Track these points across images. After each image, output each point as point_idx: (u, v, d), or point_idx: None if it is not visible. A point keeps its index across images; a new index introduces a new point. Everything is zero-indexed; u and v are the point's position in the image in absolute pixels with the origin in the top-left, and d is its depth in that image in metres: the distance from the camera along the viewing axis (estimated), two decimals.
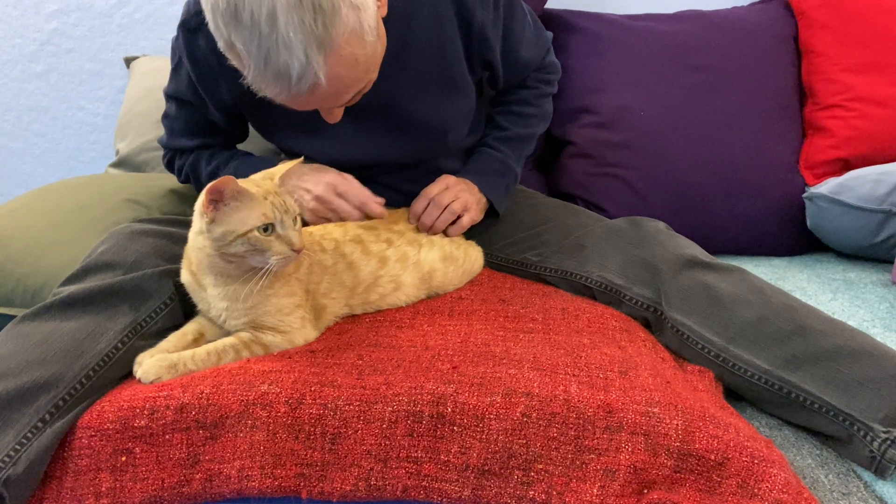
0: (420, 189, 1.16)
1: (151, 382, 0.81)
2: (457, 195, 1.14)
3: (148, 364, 0.82)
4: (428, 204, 1.13)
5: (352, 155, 1.13)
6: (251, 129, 1.24)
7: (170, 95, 1.17)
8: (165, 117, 1.21)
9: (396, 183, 1.19)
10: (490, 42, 1.12)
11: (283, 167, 0.92)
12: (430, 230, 1.13)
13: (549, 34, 1.28)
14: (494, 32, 1.12)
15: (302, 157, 0.99)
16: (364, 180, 1.15)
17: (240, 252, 0.82)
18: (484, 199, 1.20)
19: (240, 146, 1.27)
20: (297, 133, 1.13)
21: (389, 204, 1.19)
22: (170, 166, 1.26)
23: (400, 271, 1.02)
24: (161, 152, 1.31)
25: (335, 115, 0.97)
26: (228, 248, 0.82)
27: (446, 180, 1.16)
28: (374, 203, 1.08)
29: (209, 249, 0.84)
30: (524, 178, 1.34)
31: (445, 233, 1.15)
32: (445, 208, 1.13)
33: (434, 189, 1.15)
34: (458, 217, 1.15)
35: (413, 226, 1.13)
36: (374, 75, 0.92)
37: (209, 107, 1.12)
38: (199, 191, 1.21)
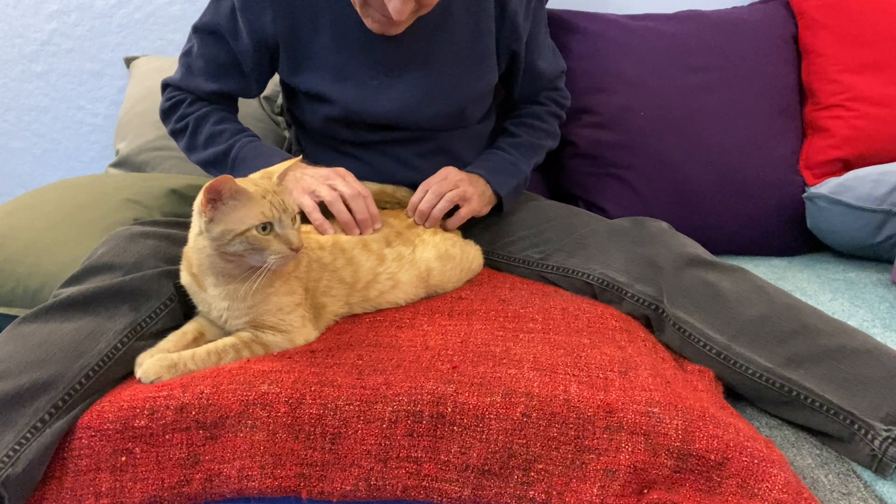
0: (429, 167, 1.17)
1: (151, 382, 0.81)
2: (456, 184, 1.14)
3: (148, 364, 0.82)
4: (426, 193, 1.14)
5: (374, 107, 1.15)
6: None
7: (199, 28, 1.17)
8: (186, 55, 1.20)
9: (408, 157, 1.21)
10: (519, 32, 1.20)
11: (282, 166, 0.92)
12: (427, 220, 1.13)
13: (564, 65, 1.37)
14: (524, 25, 1.20)
15: (300, 157, 0.99)
16: (378, 148, 1.17)
17: (238, 251, 0.82)
18: (489, 192, 1.20)
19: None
20: (326, 76, 1.14)
21: (398, 179, 1.20)
22: (169, 112, 1.22)
23: (397, 269, 1.02)
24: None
25: (405, 8, 0.97)
26: (227, 247, 0.82)
27: (446, 171, 1.17)
28: (371, 228, 1.06)
29: (209, 250, 0.84)
30: None
31: (445, 226, 1.15)
32: (443, 197, 1.13)
33: (433, 179, 1.15)
34: (457, 208, 1.15)
35: (406, 224, 1.12)
36: None
37: (243, 39, 1.13)
38: (188, 147, 1.21)
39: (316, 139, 1.25)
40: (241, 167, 1.12)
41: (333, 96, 1.14)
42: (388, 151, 1.20)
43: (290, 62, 1.16)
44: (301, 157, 0.99)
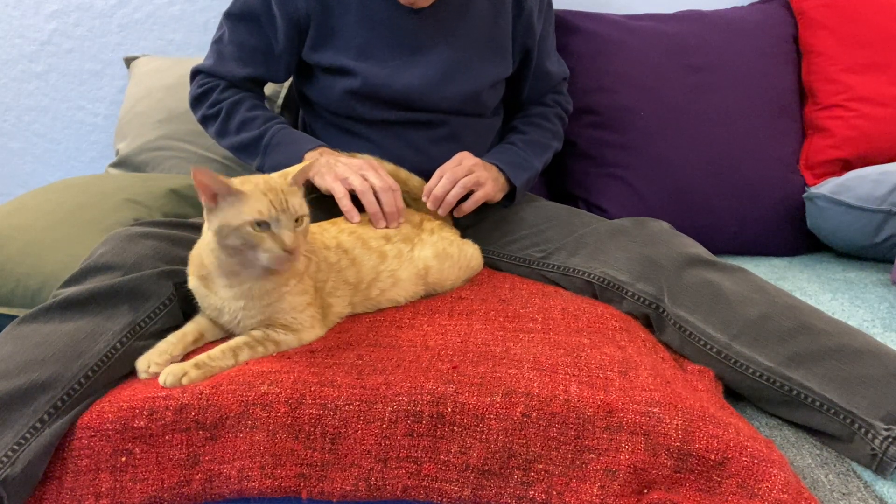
0: (440, 154, 1.19)
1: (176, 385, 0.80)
2: (470, 170, 1.15)
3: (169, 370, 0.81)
4: (441, 179, 1.15)
5: (394, 82, 1.18)
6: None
7: (231, 14, 1.20)
8: (217, 42, 1.23)
9: (420, 141, 1.23)
10: (534, 30, 1.28)
11: (298, 167, 0.90)
12: (442, 206, 1.14)
13: (567, 71, 1.43)
14: (538, 25, 1.27)
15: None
16: (391, 130, 1.21)
17: (235, 245, 0.82)
18: (502, 179, 1.21)
19: None
20: (349, 54, 1.18)
21: (407, 164, 1.21)
22: (201, 98, 1.24)
23: (397, 267, 1.02)
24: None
25: None
26: (225, 240, 0.83)
27: (461, 156, 1.18)
28: (396, 222, 1.08)
29: (213, 244, 0.84)
30: None
31: (460, 209, 1.16)
32: (457, 183, 1.14)
33: (448, 165, 1.17)
34: (471, 192, 1.16)
35: (407, 222, 1.12)
36: None
37: (276, 21, 1.17)
38: (219, 132, 1.23)
39: (327, 120, 1.27)
40: (274, 152, 1.16)
41: (355, 70, 1.17)
42: (401, 134, 1.22)
43: (315, 39, 1.19)
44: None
